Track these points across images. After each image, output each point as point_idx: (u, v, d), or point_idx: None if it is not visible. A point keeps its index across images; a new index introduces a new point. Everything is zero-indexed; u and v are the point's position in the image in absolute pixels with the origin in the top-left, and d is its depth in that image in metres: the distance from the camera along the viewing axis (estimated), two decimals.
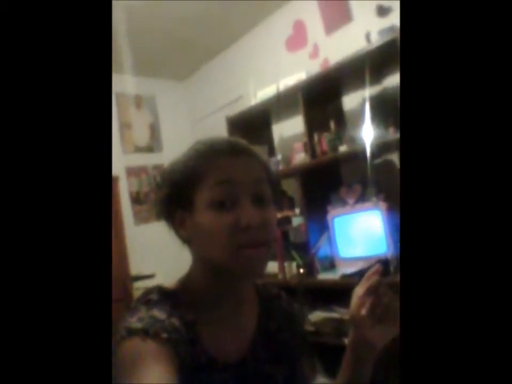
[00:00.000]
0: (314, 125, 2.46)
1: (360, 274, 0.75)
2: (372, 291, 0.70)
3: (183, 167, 0.71)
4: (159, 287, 0.72)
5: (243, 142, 0.75)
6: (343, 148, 2.31)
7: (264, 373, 0.74)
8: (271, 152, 3.04)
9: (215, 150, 0.71)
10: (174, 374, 0.57)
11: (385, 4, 2.42)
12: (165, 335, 0.61)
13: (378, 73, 2.33)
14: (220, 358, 0.69)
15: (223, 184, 0.68)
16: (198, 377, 0.66)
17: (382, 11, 2.43)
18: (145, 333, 0.60)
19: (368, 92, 2.30)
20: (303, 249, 2.49)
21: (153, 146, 3.85)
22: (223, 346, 0.71)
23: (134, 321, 0.63)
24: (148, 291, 0.71)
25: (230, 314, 0.74)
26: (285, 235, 2.61)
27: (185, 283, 0.74)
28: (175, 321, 0.65)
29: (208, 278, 0.72)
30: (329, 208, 2.45)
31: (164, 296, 0.70)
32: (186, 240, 0.73)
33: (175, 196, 0.71)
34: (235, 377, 0.70)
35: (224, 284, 0.72)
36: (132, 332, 0.61)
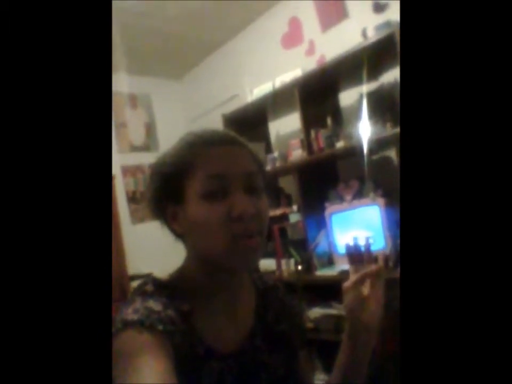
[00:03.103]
0: (311, 122, 2.46)
1: None
2: (360, 282, 0.73)
3: (172, 159, 0.71)
4: (154, 278, 0.72)
5: (232, 133, 0.75)
6: (340, 144, 2.31)
7: (262, 363, 0.74)
8: (268, 149, 3.03)
9: (204, 141, 0.71)
10: (170, 366, 0.57)
11: (382, 1, 2.41)
12: (160, 327, 0.61)
13: (374, 69, 2.33)
14: (217, 349, 0.69)
15: (214, 177, 0.67)
16: (196, 368, 0.66)
17: (379, 7, 2.42)
18: (140, 324, 0.60)
19: (365, 87, 2.29)
20: (301, 246, 2.49)
21: (149, 145, 3.84)
22: (220, 337, 0.71)
23: (130, 313, 0.62)
24: (143, 282, 0.71)
25: (226, 305, 0.74)
26: (283, 232, 2.61)
27: (180, 275, 0.74)
28: (171, 312, 0.65)
29: (203, 270, 0.72)
30: (326, 204, 2.45)
31: (159, 287, 0.69)
32: (180, 234, 0.73)
33: (166, 189, 0.71)
34: (233, 367, 0.70)
35: (218, 276, 0.72)
36: (127, 324, 0.61)
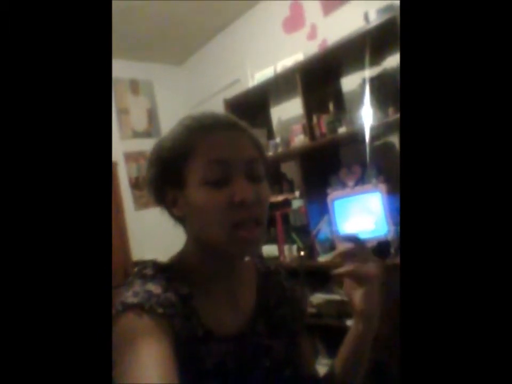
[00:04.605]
0: (313, 107, 2.44)
1: None
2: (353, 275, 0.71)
3: (171, 143, 0.70)
4: (154, 261, 0.72)
5: (233, 116, 0.74)
6: (342, 130, 2.30)
7: (262, 347, 0.74)
8: (270, 134, 3.02)
9: (204, 125, 0.70)
10: (169, 348, 0.58)
11: None
12: (160, 310, 0.61)
13: (377, 54, 2.30)
14: (217, 331, 0.69)
15: (215, 163, 0.67)
16: (196, 350, 0.66)
17: None
18: (140, 307, 0.61)
19: (367, 72, 2.27)
20: (303, 232, 2.49)
21: (151, 131, 3.83)
22: (220, 320, 0.71)
23: (129, 296, 0.63)
24: (143, 266, 0.72)
25: (227, 288, 0.75)
26: (285, 218, 2.61)
27: (180, 259, 0.75)
28: (171, 295, 0.65)
29: (202, 254, 0.72)
30: (329, 190, 2.44)
31: (159, 270, 0.70)
32: (180, 219, 0.73)
33: (165, 175, 0.70)
34: (233, 351, 0.70)
35: (218, 261, 0.72)
36: (127, 307, 0.61)
